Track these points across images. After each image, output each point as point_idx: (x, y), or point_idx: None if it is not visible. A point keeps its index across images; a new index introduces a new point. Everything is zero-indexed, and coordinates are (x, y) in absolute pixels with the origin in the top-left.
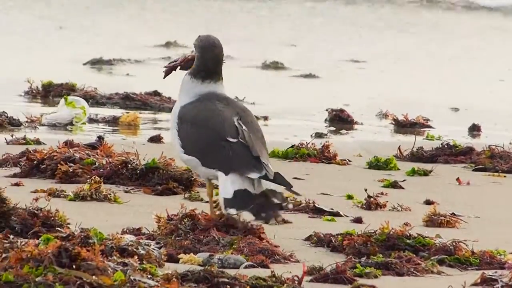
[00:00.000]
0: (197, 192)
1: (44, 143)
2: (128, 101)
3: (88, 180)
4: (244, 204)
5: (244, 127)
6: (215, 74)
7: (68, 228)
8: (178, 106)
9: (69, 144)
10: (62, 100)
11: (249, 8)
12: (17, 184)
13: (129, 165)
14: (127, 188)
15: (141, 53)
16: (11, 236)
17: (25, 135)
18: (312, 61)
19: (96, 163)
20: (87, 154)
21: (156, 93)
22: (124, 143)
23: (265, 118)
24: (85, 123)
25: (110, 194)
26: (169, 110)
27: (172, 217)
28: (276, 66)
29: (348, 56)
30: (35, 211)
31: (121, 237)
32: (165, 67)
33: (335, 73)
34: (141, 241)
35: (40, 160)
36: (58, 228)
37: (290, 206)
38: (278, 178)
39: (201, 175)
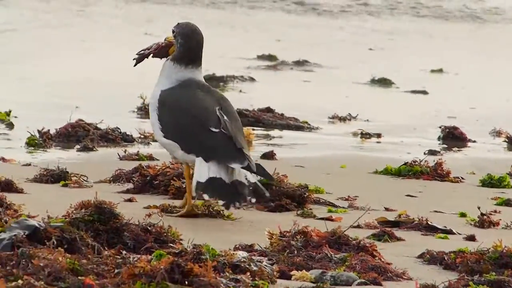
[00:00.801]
0: (310, 209)
1: (157, 159)
2: (240, 117)
3: None
4: (217, 192)
5: (225, 118)
6: (197, 60)
7: (181, 244)
8: (158, 89)
9: None
10: None
11: (315, 21)
12: (130, 200)
13: None
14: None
15: (248, 69)
16: (124, 252)
17: (138, 151)
18: (404, 73)
19: None
20: None
21: (269, 110)
22: None
23: (378, 135)
24: None
25: (222, 210)
26: (282, 127)
27: (284, 233)
28: (384, 82)
29: (427, 66)
30: (148, 227)
31: (233, 254)
32: (136, 54)
33: (434, 86)
34: (253, 257)
35: (153, 176)
36: (171, 244)
37: (253, 200)
38: (260, 170)
39: (179, 159)
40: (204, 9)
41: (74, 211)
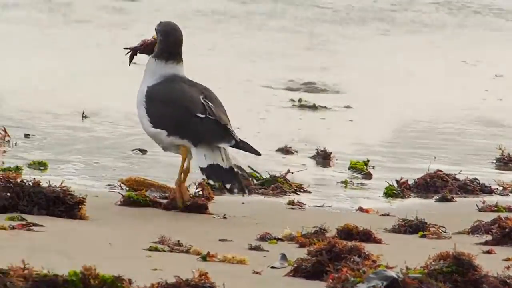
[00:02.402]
0: None
1: None
2: None
3: None
4: (218, 177)
5: (210, 103)
6: (177, 55)
7: None
8: (144, 86)
9: None
10: None
11: None
12: (488, 252)
13: None
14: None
15: None
16: None
17: (496, 202)
18: None
19: None
20: None
21: None
22: None
23: None
24: None
25: None
26: None
27: None
28: None
29: None
30: (507, 280)
31: None
32: (125, 49)
33: None
34: None
35: (511, 227)
36: None
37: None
38: (245, 145)
39: (167, 145)
40: None
41: (432, 262)
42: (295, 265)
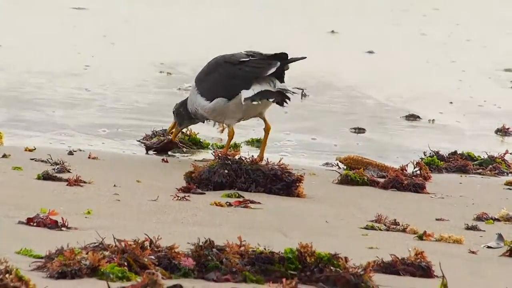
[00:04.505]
0: None
1: None
2: None
3: None
4: (265, 96)
5: (252, 53)
6: None
7: None
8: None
9: None
10: None
11: None
12: None
13: None
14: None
15: None
16: None
17: None
18: None
19: None
20: None
21: None
22: None
23: None
24: None
25: None
26: None
27: None
28: None
29: None
30: None
31: None
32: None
33: None
34: None
35: None
36: None
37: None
38: (292, 59)
39: (232, 114)
40: None
41: None
42: None
